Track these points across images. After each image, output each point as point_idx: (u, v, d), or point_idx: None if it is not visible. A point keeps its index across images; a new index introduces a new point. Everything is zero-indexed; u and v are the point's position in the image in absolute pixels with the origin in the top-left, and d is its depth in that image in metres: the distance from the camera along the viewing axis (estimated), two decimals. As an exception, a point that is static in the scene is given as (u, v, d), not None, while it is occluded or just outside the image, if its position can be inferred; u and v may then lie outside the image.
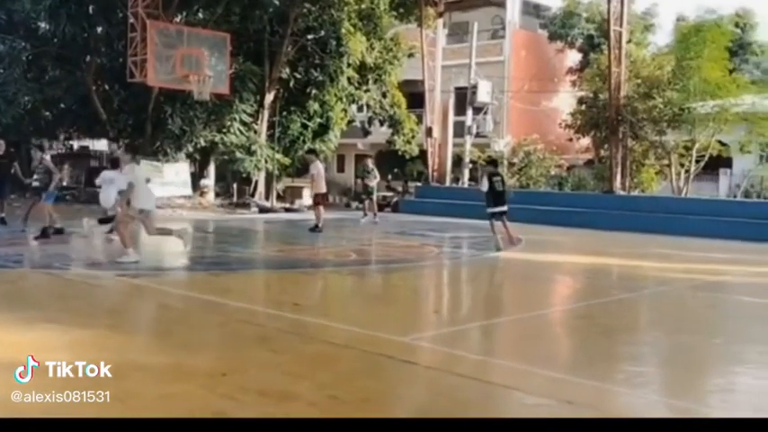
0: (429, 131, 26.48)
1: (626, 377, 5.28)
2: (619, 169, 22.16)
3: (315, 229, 15.23)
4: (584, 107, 26.73)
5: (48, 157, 13.53)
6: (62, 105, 24.15)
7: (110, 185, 12.39)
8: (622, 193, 21.99)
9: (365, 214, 18.60)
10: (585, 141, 28.23)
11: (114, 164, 13.10)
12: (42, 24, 22.89)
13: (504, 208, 12.69)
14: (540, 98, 30.57)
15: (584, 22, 30.58)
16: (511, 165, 27.18)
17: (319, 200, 15.79)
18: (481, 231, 13.95)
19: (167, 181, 21.98)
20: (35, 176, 12.89)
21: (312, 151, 19.11)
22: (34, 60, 22.47)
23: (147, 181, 11.08)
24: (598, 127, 25.08)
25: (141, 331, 6.16)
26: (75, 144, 30.22)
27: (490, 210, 12.68)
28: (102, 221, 12.65)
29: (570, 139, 28.14)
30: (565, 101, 30.06)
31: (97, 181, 13.16)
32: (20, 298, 7.88)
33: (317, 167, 15.96)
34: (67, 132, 27.66)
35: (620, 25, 21.97)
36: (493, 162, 16.22)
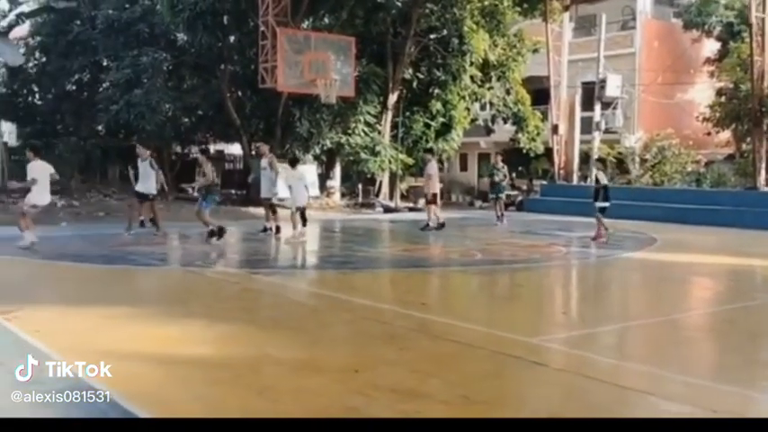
0: (555, 128, 25.87)
1: (774, 385, 4.95)
2: (763, 164, 20.82)
3: (426, 227, 15.46)
4: (723, 99, 25.35)
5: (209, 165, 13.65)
6: (199, 112, 25.59)
7: (299, 184, 13.29)
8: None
9: (498, 216, 17.82)
10: (725, 135, 26.68)
11: (293, 163, 14.07)
12: (181, 36, 24.37)
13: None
14: (674, 91, 29.09)
15: (723, 9, 28.77)
16: (643, 161, 26.06)
17: (433, 199, 15.92)
18: (611, 230, 13.47)
19: (296, 182, 22.76)
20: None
21: (429, 150, 18.96)
22: (174, 70, 23.90)
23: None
24: (739, 119, 23.69)
25: (276, 327, 6.40)
26: (211, 148, 31.83)
27: (604, 204, 13.44)
28: (303, 221, 13.48)
29: (708, 133, 26.69)
30: (702, 93, 28.46)
31: (287, 183, 13.86)
32: (164, 294, 8.43)
33: (434, 167, 16.17)
34: (204, 137, 29.25)
35: (764, 11, 20.59)
36: (602, 160, 16.06)
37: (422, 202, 24.11)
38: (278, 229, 13.82)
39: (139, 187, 13.41)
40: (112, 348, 5.28)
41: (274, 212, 14.23)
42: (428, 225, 15.56)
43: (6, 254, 10.76)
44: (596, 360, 5.51)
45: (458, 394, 4.43)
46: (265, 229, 14.18)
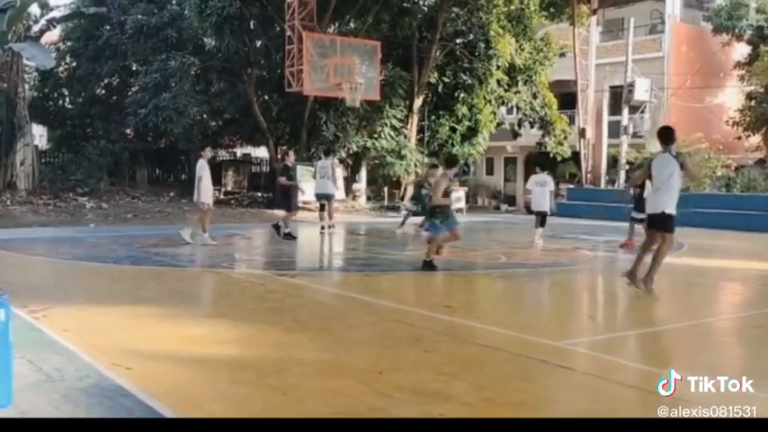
0: (582, 132, 25.68)
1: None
2: (795, 168, 20.41)
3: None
4: (753, 102, 24.97)
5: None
6: (226, 115, 25.81)
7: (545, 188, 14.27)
8: (799, 194, 20.22)
9: (401, 225, 16.65)
10: (756, 139, 26.23)
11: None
12: (208, 40, 24.61)
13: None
14: (703, 95, 28.69)
15: (754, 12, 28.33)
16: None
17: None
18: (640, 236, 13.27)
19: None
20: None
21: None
22: (201, 74, 24.10)
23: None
24: (771, 123, 23.27)
25: (301, 328, 6.41)
26: (238, 151, 32.09)
27: (642, 215, 12.75)
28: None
29: (738, 137, 26.30)
30: (732, 96, 28.06)
31: (528, 186, 14.93)
32: (192, 295, 8.50)
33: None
34: (231, 140, 29.48)
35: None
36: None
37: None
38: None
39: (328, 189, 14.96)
40: (139, 347, 5.35)
41: (323, 209, 15.35)
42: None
43: (37, 254, 10.92)
44: (624, 364, 5.44)
45: (482, 397, 4.40)
46: (324, 228, 14.88)
